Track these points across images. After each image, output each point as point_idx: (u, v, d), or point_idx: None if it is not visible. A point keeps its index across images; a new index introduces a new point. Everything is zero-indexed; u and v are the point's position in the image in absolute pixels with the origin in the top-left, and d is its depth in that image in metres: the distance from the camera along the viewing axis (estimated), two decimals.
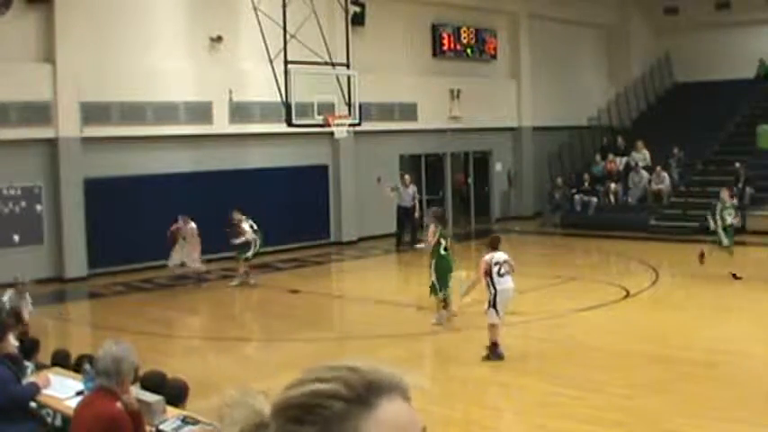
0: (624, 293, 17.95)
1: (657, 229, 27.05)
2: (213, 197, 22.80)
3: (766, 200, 26.36)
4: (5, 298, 14.06)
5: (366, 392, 1.48)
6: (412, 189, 25.90)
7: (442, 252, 15.13)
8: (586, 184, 29.83)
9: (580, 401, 10.87)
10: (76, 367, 8.79)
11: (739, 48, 33.18)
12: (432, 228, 15.41)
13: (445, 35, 29.18)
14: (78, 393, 7.40)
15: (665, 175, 28.52)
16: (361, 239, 26.38)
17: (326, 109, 20.83)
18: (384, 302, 18.07)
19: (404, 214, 25.73)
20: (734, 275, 18.80)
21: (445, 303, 15.28)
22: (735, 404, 10.63)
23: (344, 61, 21.21)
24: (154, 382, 7.55)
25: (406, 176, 26.24)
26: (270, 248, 23.35)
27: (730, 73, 32.48)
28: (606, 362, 12.80)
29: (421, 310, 16.85)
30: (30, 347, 9.14)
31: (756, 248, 24.44)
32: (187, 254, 19.96)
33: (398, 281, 22.24)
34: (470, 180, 31.26)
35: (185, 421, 6.70)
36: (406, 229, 25.77)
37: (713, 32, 33.95)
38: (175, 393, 7.43)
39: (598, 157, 31.08)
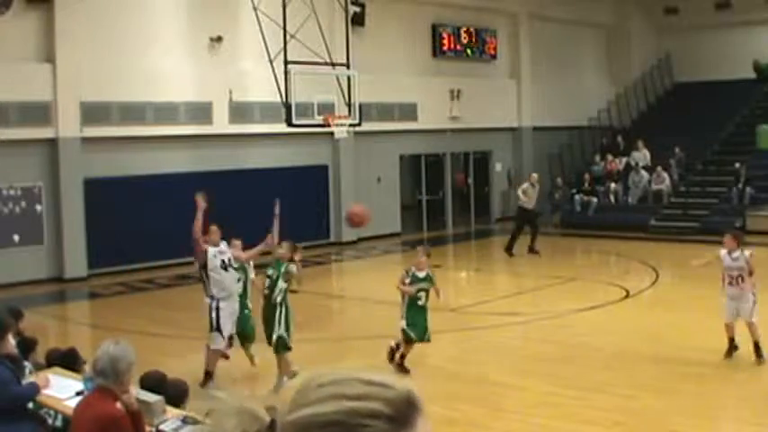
0: (624, 294, 17.95)
1: (658, 229, 27.06)
2: (213, 197, 22.79)
3: (766, 200, 26.35)
4: None
5: (406, 411, 1.47)
6: (538, 188, 24.29)
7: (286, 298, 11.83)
8: (586, 184, 29.82)
9: (580, 402, 10.87)
10: (64, 363, 8.79)
11: (739, 48, 33.18)
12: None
13: (445, 35, 29.18)
14: (78, 393, 7.39)
15: (665, 175, 28.53)
16: (360, 239, 26.37)
17: (326, 109, 20.84)
18: (384, 302, 18.06)
19: (527, 217, 23.79)
20: None
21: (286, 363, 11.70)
22: (736, 404, 10.64)
23: (344, 61, 21.21)
24: (154, 383, 7.54)
25: (534, 175, 24.54)
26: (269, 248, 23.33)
27: (730, 73, 32.48)
28: (606, 362, 12.79)
29: None
30: (26, 347, 9.12)
31: (756, 248, 24.45)
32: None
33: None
34: (470, 180, 31.27)
35: (185, 421, 6.69)
36: (523, 231, 23.76)
37: (713, 32, 33.95)
38: (175, 394, 7.42)
39: (598, 158, 31.09)
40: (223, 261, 12.01)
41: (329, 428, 1.43)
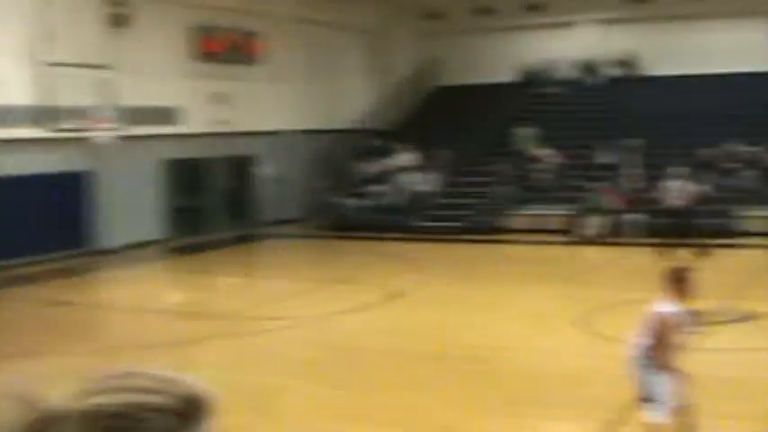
0: (390, 294, 18.19)
1: (423, 229, 27.64)
2: None
3: (528, 199, 27.47)
4: None
5: (192, 409, 1.46)
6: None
7: None
8: (352, 186, 30.15)
9: (356, 402, 10.94)
10: None
11: (500, 51, 34.59)
12: None
13: (211, 38, 28.77)
14: None
15: (430, 176, 29.22)
16: (122, 247, 25.54)
17: (88, 113, 20.13)
18: (152, 311, 17.63)
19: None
20: None
21: None
22: (503, 398, 10.98)
23: (107, 63, 20.57)
24: None
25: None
26: (25, 259, 22.36)
27: (492, 76, 33.77)
28: (377, 361, 12.94)
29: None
30: None
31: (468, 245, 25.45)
32: None
33: (167, 288, 21.74)
34: (238, 184, 30.99)
35: None
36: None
37: (476, 37, 35.18)
38: None
39: (363, 160, 31.51)
40: None
41: (114, 420, 1.40)
